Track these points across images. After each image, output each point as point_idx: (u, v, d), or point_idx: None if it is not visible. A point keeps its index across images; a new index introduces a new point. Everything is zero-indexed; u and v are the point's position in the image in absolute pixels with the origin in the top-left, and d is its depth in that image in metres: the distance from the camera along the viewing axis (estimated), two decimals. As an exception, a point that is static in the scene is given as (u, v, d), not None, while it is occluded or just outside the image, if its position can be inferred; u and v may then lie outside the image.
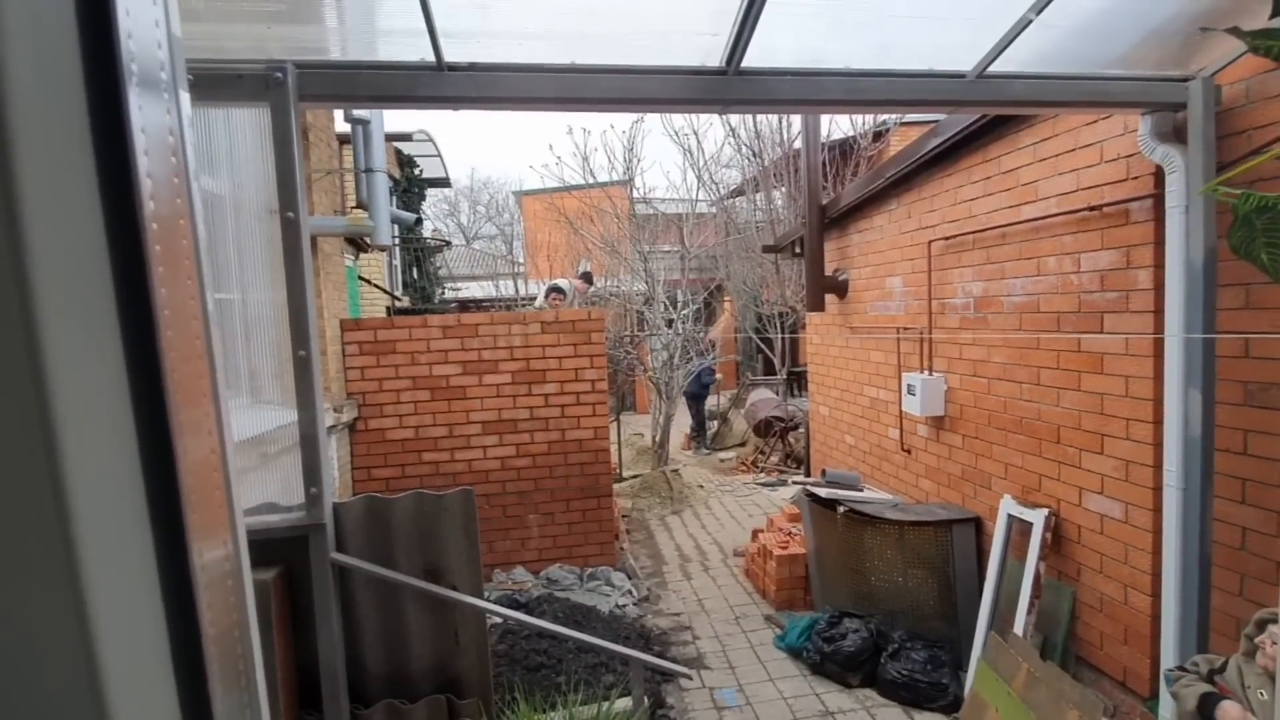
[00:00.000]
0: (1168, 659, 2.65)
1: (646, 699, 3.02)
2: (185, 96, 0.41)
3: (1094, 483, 3.18)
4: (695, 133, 10.12)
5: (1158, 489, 2.80)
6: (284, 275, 2.27)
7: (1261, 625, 1.89)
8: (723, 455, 9.76)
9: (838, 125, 10.48)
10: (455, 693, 2.46)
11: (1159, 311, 2.77)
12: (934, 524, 3.96)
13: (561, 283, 8.15)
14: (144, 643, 0.35)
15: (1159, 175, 2.78)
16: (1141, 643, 2.94)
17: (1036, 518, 3.43)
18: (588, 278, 8.16)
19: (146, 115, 0.35)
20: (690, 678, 3.64)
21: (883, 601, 4.06)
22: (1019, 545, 3.56)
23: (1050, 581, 3.45)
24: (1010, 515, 3.62)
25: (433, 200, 22.90)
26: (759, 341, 11.98)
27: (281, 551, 2.26)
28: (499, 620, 4.08)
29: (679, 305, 9.73)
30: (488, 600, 2.79)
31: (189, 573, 0.37)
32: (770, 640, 4.22)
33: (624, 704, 2.40)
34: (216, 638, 0.41)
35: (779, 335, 10.84)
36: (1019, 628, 3.33)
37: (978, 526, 3.98)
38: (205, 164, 2.81)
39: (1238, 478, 2.61)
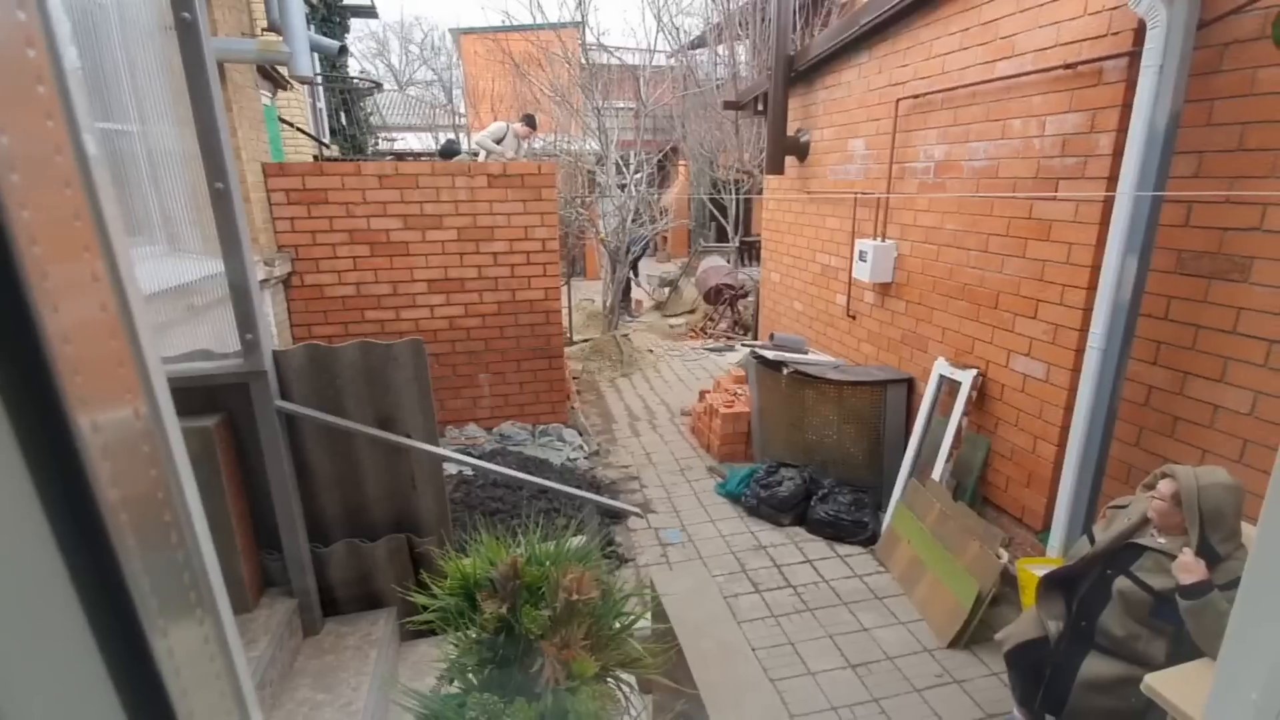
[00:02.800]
0: (1064, 498, 2.99)
1: (599, 537, 3.23)
2: None
3: (1023, 345, 3.38)
4: (656, -35, 9.09)
5: (1080, 351, 2.99)
6: (188, 99, 1.96)
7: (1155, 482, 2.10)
8: (672, 321, 9.88)
9: (811, -33, 9.59)
10: (415, 532, 2.55)
11: (1113, 178, 2.79)
12: (870, 384, 4.18)
13: (493, 127, 7.39)
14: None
15: (1139, 33, 2.68)
16: (1042, 485, 3.29)
17: (965, 377, 3.65)
18: (530, 121, 7.44)
19: None
20: (640, 515, 3.90)
21: (818, 454, 4.37)
22: (946, 404, 3.82)
23: (970, 435, 3.75)
24: (942, 376, 3.85)
25: (358, 35, 20.29)
26: (713, 208, 11.73)
27: (221, 399, 2.18)
28: (454, 472, 4.20)
29: (632, 168, 9.28)
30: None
31: (72, 441, 0.35)
32: (712, 488, 4.53)
33: (578, 541, 2.56)
34: (127, 502, 0.39)
35: (734, 200, 10.61)
36: (937, 474, 3.67)
37: (910, 387, 4.23)
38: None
39: (1154, 341, 2.81)
